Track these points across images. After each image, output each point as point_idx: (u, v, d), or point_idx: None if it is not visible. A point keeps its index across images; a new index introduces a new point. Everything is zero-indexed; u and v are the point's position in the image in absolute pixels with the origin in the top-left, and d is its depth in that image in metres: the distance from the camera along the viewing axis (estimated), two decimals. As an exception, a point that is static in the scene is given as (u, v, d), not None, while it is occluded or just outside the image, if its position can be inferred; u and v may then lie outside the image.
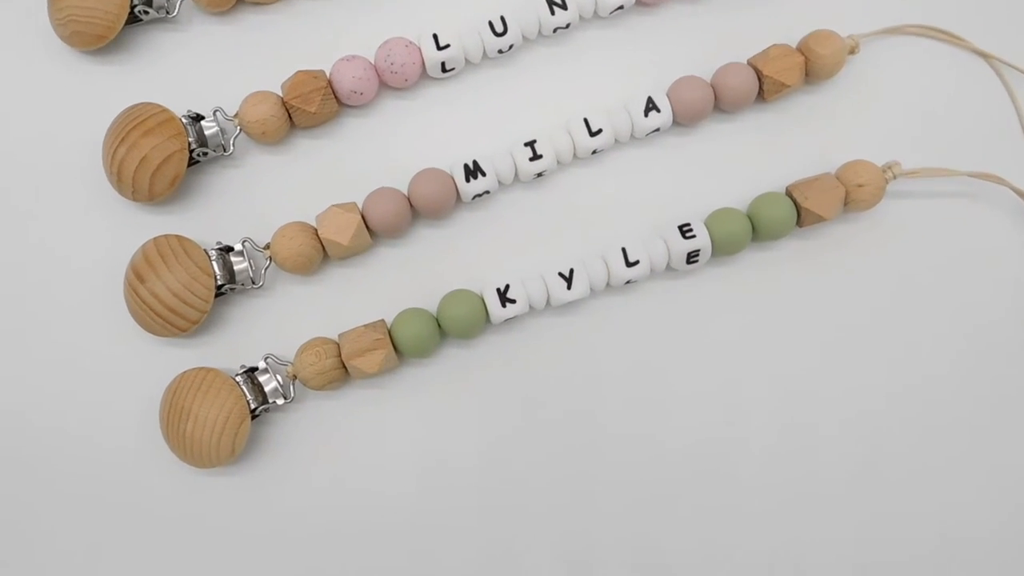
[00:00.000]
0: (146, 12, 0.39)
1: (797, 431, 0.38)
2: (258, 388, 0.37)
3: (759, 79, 0.39)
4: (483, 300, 0.37)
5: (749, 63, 0.39)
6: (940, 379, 0.38)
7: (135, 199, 0.38)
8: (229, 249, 0.38)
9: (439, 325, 0.37)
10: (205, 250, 0.37)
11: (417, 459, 0.38)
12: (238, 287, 0.37)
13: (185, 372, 0.36)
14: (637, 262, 0.37)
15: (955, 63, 0.41)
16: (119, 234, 0.38)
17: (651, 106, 0.38)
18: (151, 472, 0.37)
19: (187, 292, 0.36)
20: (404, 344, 0.36)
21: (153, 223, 0.39)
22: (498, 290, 0.37)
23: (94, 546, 0.37)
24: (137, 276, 0.36)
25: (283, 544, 0.37)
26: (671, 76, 0.39)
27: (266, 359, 0.37)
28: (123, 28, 0.39)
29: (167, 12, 0.39)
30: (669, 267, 0.38)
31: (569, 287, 0.37)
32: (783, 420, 0.38)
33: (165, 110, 0.37)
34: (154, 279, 0.36)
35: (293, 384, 0.37)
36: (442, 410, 0.38)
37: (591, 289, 0.38)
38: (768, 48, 0.39)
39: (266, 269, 0.38)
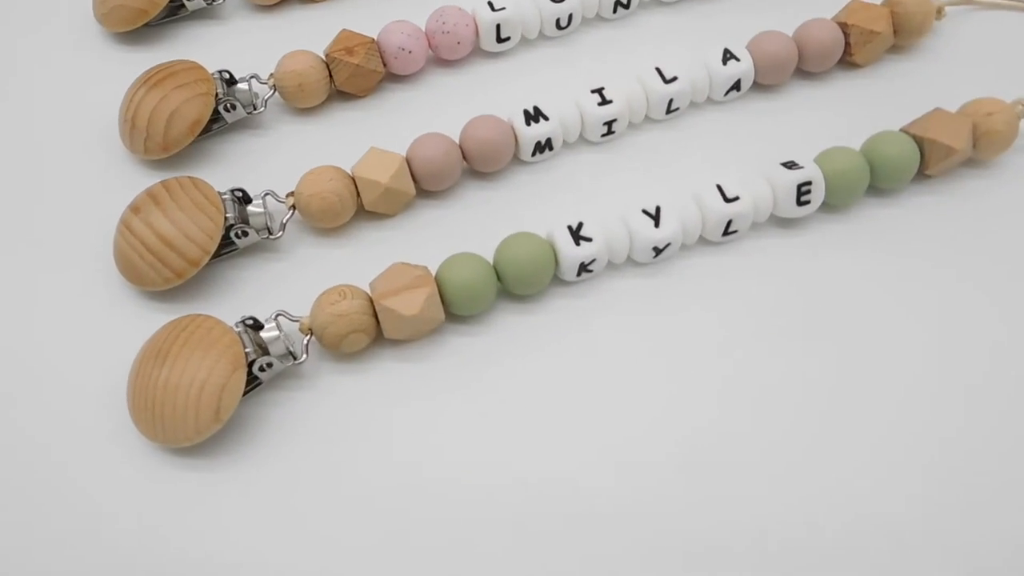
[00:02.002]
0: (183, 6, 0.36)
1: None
2: (261, 346, 0.27)
3: (844, 34, 0.34)
4: (552, 243, 0.29)
5: (833, 20, 0.35)
6: None
7: (147, 153, 0.32)
8: (247, 199, 0.31)
9: (496, 274, 0.29)
10: (220, 192, 0.30)
11: (463, 454, 0.27)
12: (251, 234, 0.30)
13: (172, 321, 0.28)
14: (737, 198, 0.30)
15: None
16: (126, 196, 0.31)
17: (729, 56, 0.34)
18: (119, 462, 0.27)
19: (190, 224, 0.29)
20: (454, 292, 0.28)
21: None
22: (569, 227, 0.29)
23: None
24: (133, 210, 0.29)
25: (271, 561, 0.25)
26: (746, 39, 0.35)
27: (276, 316, 0.28)
28: (165, 20, 0.36)
29: (210, 1, 0.37)
30: (776, 212, 0.31)
31: (657, 224, 0.29)
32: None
33: (195, 63, 0.33)
34: (152, 209, 0.29)
35: (308, 341, 0.28)
36: (497, 390, 0.28)
37: (684, 232, 0.30)
38: (848, 4, 0.35)
39: (287, 219, 0.30)
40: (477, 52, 0.36)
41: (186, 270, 0.29)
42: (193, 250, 0.28)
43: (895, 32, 0.35)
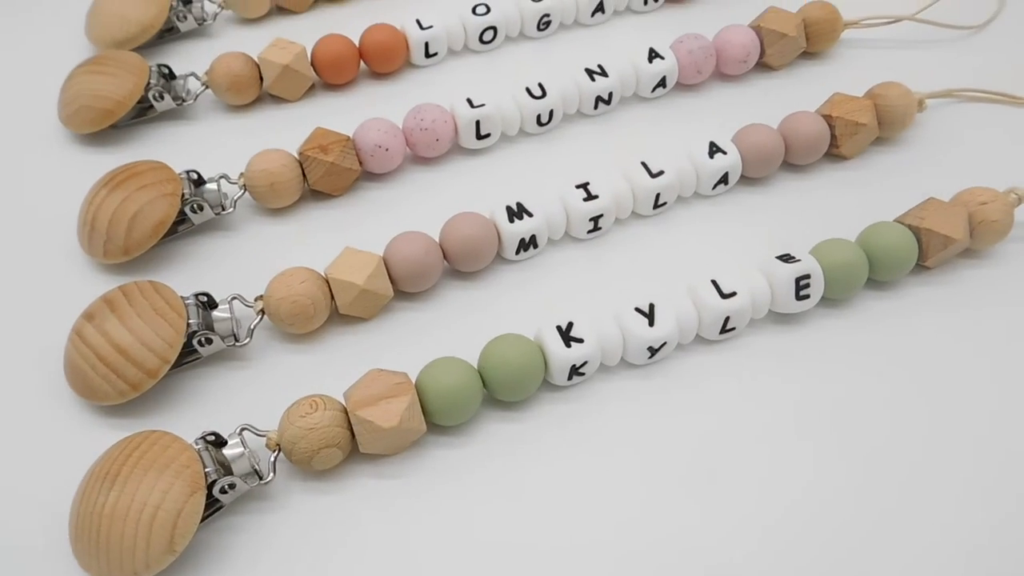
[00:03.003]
0: (159, 97, 0.35)
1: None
2: (223, 464, 0.25)
3: (830, 126, 0.34)
4: (541, 346, 0.27)
5: (818, 112, 0.35)
6: None
7: (107, 256, 0.30)
8: (212, 304, 0.29)
9: (482, 379, 0.27)
10: (182, 297, 0.28)
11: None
12: (216, 342, 0.28)
13: (125, 438, 0.25)
14: (733, 294, 0.28)
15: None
16: (83, 302, 0.29)
17: (716, 149, 0.33)
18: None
19: (148, 331, 0.26)
20: (436, 400, 0.26)
21: None
22: (559, 328, 0.27)
23: None
24: (87, 317, 0.27)
25: None
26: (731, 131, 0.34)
27: (240, 431, 0.25)
28: (131, 119, 0.35)
29: (182, 101, 0.36)
30: (774, 307, 0.29)
31: (651, 324, 0.28)
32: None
33: (160, 162, 0.32)
34: (108, 317, 0.27)
35: (275, 458, 0.25)
36: (485, 507, 0.26)
37: (680, 330, 0.28)
38: (831, 96, 0.35)
39: (255, 325, 0.28)
40: (456, 148, 0.34)
41: (143, 382, 0.26)
42: (151, 360, 0.26)
43: (879, 124, 0.34)
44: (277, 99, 0.37)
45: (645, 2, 0.40)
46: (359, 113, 0.36)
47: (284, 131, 0.35)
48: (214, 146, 0.35)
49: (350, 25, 0.39)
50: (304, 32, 0.40)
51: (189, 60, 0.38)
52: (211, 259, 0.31)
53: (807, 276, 0.29)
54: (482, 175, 0.34)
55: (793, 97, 0.36)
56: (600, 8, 0.39)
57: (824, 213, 0.33)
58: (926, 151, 0.35)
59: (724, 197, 0.33)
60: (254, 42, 0.38)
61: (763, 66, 0.38)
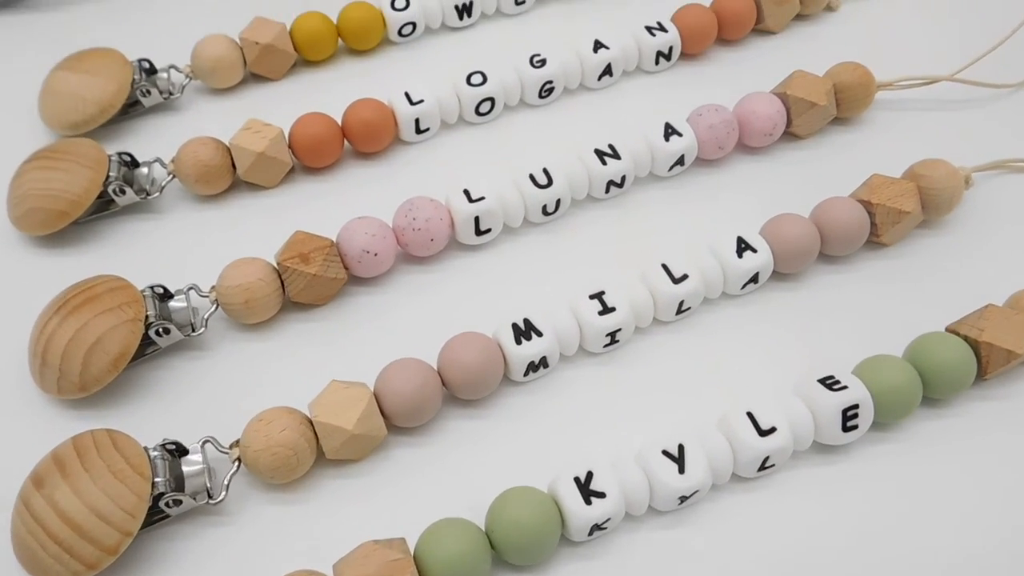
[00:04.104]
0: (121, 192, 0.31)
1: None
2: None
3: (869, 213, 0.30)
4: (556, 500, 0.23)
5: (852, 197, 0.31)
6: None
7: (61, 392, 0.26)
8: (182, 451, 0.25)
9: (490, 542, 0.23)
10: (145, 448, 0.24)
11: None
12: (185, 502, 0.24)
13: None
14: (773, 430, 0.25)
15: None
16: (32, 442, 0.26)
17: (744, 246, 0.29)
18: None
19: (106, 501, 0.23)
20: (439, 572, 0.22)
21: (83, 429, 0.26)
22: (577, 481, 0.24)
23: None
24: (35, 483, 0.23)
25: None
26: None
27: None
28: (91, 214, 0.32)
29: (147, 194, 0.32)
30: (817, 438, 0.25)
31: (682, 470, 0.24)
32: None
33: (120, 279, 0.28)
34: (58, 483, 0.23)
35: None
36: None
37: (713, 474, 0.24)
38: (869, 179, 0.31)
39: (230, 476, 0.24)
40: (453, 241, 0.31)
41: (100, 560, 0.23)
42: (109, 536, 0.22)
43: (923, 207, 0.30)
44: (253, 185, 0.33)
45: (657, 61, 0.36)
46: (343, 199, 0.33)
47: (261, 223, 0.32)
48: (183, 244, 0.32)
49: (331, 91, 0.36)
50: (281, 102, 0.36)
51: (155, 139, 0.35)
52: (180, 386, 0.28)
53: (855, 407, 0.25)
54: (481, 272, 0.31)
55: (824, 171, 0.33)
56: (608, 71, 0.35)
57: (865, 311, 0.30)
58: (974, 231, 0.32)
59: (754, 296, 0.30)
60: (226, 115, 0.35)
61: (789, 135, 0.34)
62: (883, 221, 0.30)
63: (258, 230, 0.32)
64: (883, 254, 0.31)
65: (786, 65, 0.36)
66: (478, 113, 0.35)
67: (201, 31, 0.36)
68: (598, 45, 0.35)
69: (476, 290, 0.30)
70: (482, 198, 0.30)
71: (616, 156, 0.32)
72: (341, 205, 0.32)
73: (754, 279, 0.29)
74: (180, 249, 0.31)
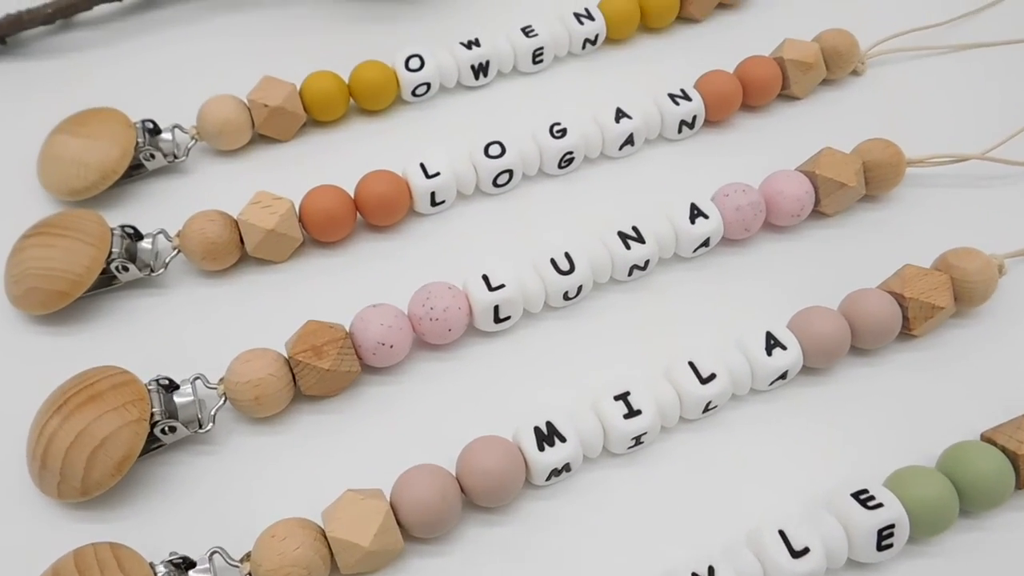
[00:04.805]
0: (124, 269, 0.30)
1: None
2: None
3: (902, 307, 0.29)
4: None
5: (883, 289, 0.30)
6: None
7: (61, 496, 0.25)
8: (189, 564, 0.24)
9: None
10: (151, 565, 0.23)
11: None
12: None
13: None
14: (807, 550, 0.24)
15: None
16: (29, 544, 0.25)
17: (773, 342, 0.28)
18: None
19: (110, 630, 0.21)
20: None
21: (84, 534, 0.25)
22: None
23: None
24: None
25: None
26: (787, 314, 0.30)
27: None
28: (93, 289, 0.30)
29: (151, 270, 0.30)
30: (851, 556, 0.25)
31: (711, 593, 0.23)
32: None
33: (124, 372, 0.27)
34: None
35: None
36: None
37: (743, 598, 0.23)
38: (902, 270, 0.30)
39: (240, 598, 0.23)
40: (471, 330, 0.30)
41: None
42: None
43: (956, 299, 0.29)
44: (261, 259, 0.31)
45: (679, 129, 0.35)
46: (355, 274, 0.32)
47: (270, 300, 0.31)
48: (189, 322, 0.31)
49: (342, 153, 0.35)
50: (290, 164, 0.35)
51: (159, 204, 0.34)
52: (185, 484, 0.27)
53: (891, 526, 0.24)
54: (499, 359, 0.30)
55: (853, 251, 0.33)
56: (629, 140, 0.34)
57: (896, 406, 0.29)
58: (1006, 320, 0.31)
59: (782, 391, 0.29)
60: (233, 178, 0.34)
61: (817, 212, 0.33)
62: (916, 315, 0.29)
63: (267, 307, 0.31)
64: (913, 345, 0.30)
65: (812, 132, 0.35)
66: (496, 184, 0.33)
67: (205, 80, 0.35)
68: (620, 114, 0.34)
69: (494, 378, 0.29)
70: (502, 286, 0.29)
71: (640, 240, 0.30)
72: (353, 280, 0.31)
73: (783, 376, 0.28)
74: (185, 327, 0.30)
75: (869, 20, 0.39)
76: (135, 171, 0.34)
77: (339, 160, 0.35)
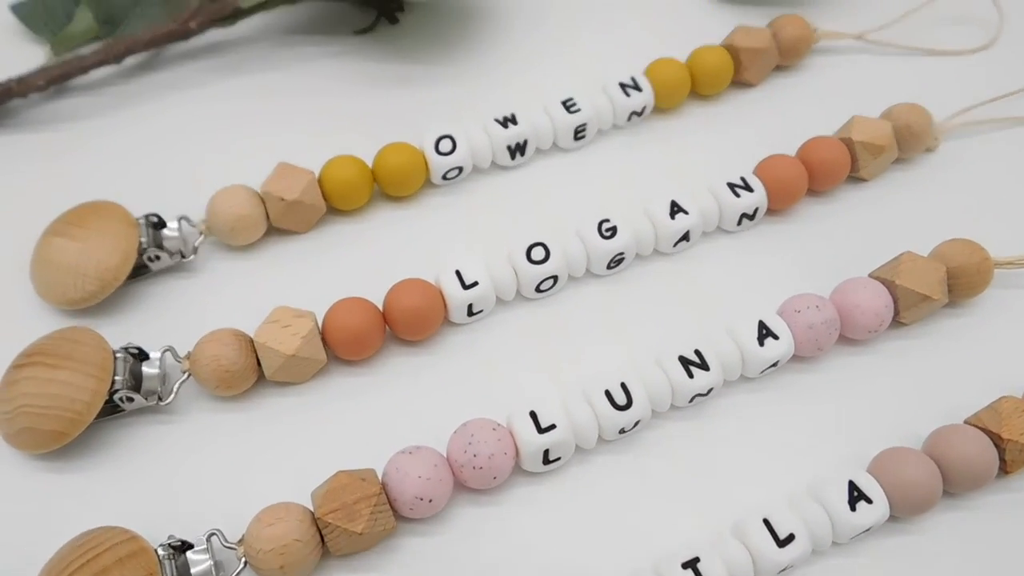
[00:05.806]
0: (129, 400, 0.27)
1: None
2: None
3: (998, 449, 0.26)
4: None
5: (970, 423, 0.27)
6: None
7: None
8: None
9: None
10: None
11: None
12: None
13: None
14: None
15: None
16: None
17: (858, 495, 0.25)
18: None
19: None
20: None
21: None
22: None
23: None
24: None
25: None
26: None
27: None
28: (97, 420, 0.27)
29: (159, 399, 0.27)
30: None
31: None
32: None
33: (134, 538, 0.24)
34: None
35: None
36: None
37: None
38: (997, 403, 0.27)
39: None
40: (517, 471, 0.27)
41: None
42: None
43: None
44: (282, 383, 0.28)
45: (739, 222, 0.31)
46: (383, 392, 0.30)
47: (289, 427, 0.28)
48: (199, 454, 0.28)
49: (366, 246, 0.32)
50: (309, 259, 0.32)
51: (165, 311, 0.31)
52: None
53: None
54: (550, 508, 0.27)
55: (936, 372, 0.30)
56: (685, 237, 0.31)
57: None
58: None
59: (863, 545, 0.26)
60: (246, 276, 0.32)
61: (895, 322, 0.30)
62: (1014, 459, 0.26)
63: (285, 436, 0.28)
64: (1008, 486, 0.27)
65: (883, 219, 0.33)
66: (538, 290, 0.30)
67: (212, 151, 0.34)
68: (676, 208, 0.31)
69: (542, 525, 0.26)
70: (553, 426, 0.26)
71: (704, 366, 0.27)
72: (380, 398, 0.29)
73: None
74: (196, 461, 0.28)
75: (933, 80, 0.36)
76: (139, 271, 0.31)
77: (363, 253, 0.32)
